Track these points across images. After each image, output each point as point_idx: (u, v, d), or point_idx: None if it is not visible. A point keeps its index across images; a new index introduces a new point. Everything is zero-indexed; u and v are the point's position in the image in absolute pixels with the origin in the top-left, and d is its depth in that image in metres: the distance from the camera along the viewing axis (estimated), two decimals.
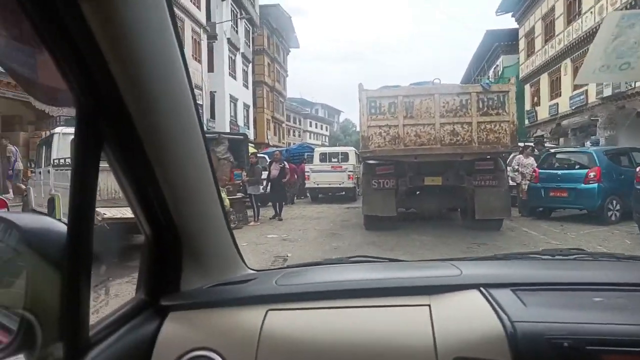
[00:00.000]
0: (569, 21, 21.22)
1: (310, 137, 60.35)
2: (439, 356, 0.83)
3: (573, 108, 21.27)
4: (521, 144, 10.42)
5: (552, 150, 11.44)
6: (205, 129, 1.35)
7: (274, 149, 24.70)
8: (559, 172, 9.90)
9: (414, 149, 7.95)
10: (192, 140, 0.94)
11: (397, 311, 0.95)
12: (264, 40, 36.54)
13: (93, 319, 0.83)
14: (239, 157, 11.17)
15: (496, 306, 0.89)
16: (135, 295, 1.03)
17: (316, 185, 16.35)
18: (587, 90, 20.25)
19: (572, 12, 21.03)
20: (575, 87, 21.49)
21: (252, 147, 28.35)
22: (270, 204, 11.97)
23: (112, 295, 3.87)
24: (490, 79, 8.59)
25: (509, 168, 10.98)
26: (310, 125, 64.11)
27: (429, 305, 0.93)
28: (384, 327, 0.91)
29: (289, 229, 9.75)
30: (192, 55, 23.61)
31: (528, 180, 10.52)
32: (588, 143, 17.42)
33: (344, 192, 16.29)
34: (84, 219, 0.74)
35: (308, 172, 16.47)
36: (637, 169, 6.97)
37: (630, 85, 16.54)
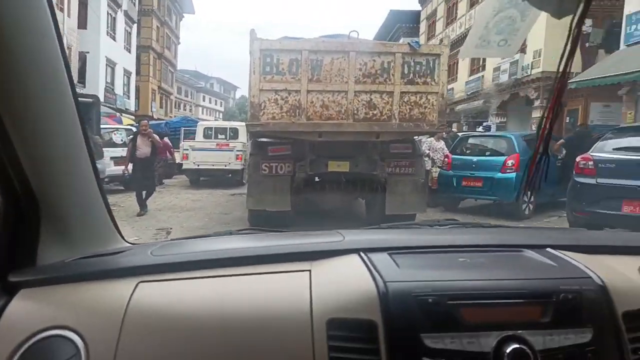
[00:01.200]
0: (472, 4, 21.17)
1: (203, 112, 57.71)
2: (313, 319, 0.86)
3: (469, 93, 21.44)
4: None
5: (467, 134, 10.39)
6: None
7: (159, 122, 21.58)
8: (474, 158, 8.81)
9: (319, 124, 6.07)
10: (55, 91, 0.87)
11: (278, 278, 0.96)
12: (153, 0, 32.45)
13: None
14: (87, 126, 8.31)
15: (372, 268, 0.94)
16: None
17: (196, 167, 13.60)
18: (483, 76, 20.48)
19: None
20: (472, 71, 21.77)
21: (131, 118, 25.14)
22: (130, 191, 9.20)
23: None
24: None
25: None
26: (204, 100, 60.96)
27: (310, 271, 0.96)
28: (263, 294, 0.91)
29: (143, 227, 7.23)
30: (56, 4, 19.36)
31: (439, 166, 9.34)
32: (480, 128, 17.50)
33: (230, 175, 13.89)
34: None
35: (187, 150, 13.67)
36: (578, 158, 5.90)
37: (526, 72, 16.72)
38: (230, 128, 14.91)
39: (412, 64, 6.21)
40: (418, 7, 28.40)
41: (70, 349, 0.82)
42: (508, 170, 8.08)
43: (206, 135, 14.53)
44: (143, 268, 0.96)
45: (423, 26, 27.55)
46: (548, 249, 1.08)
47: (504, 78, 17.67)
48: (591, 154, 5.68)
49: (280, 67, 5.95)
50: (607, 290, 0.90)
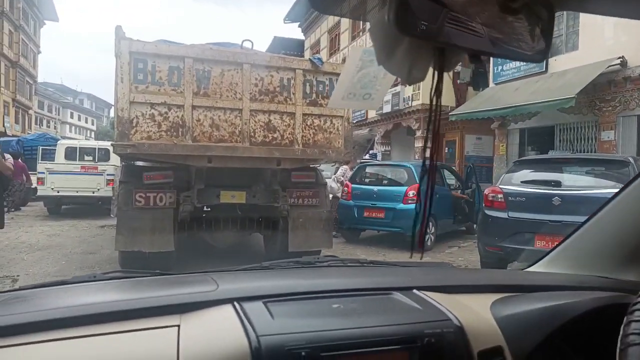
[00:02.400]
0: (354, 37, 21.90)
1: (71, 130, 52.12)
2: None
3: (354, 122, 21.90)
4: None
5: (366, 163, 10.01)
6: None
7: (10, 139, 18.18)
8: (375, 188, 8.39)
9: (209, 147, 5.01)
10: None
11: (142, 336, 0.87)
12: (4, 1, 28.39)
13: None
14: None
15: (245, 321, 0.90)
16: None
17: (56, 193, 11.50)
18: None
19: (357, 28, 21.72)
20: None
21: None
22: None
23: None
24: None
25: (332, 177, 9.08)
26: (72, 117, 55.05)
27: (178, 326, 0.89)
28: (124, 357, 0.82)
29: None
30: None
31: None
32: (367, 156, 17.86)
33: (100, 202, 11.77)
34: None
35: (43, 173, 11.49)
36: (486, 191, 5.67)
37: (407, 104, 17.53)
38: (99, 148, 12.80)
39: (315, 82, 5.52)
40: (302, 37, 28.72)
41: None
42: (410, 201, 7.76)
43: (69, 157, 12.33)
44: None
45: (307, 55, 27.91)
46: (414, 291, 1.11)
47: (387, 109, 18.29)
48: (500, 186, 5.47)
49: (157, 75, 4.81)
50: (464, 331, 0.95)
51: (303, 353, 0.84)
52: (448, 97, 14.83)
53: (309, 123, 5.43)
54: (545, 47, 0.67)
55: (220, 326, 0.91)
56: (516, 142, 13.03)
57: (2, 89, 28.62)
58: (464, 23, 0.60)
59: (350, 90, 1.15)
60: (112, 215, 9.34)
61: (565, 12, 10.64)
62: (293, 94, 5.32)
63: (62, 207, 12.28)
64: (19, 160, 13.01)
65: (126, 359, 0.82)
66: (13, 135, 24.20)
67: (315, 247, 5.75)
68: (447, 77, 13.90)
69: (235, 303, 0.97)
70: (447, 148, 16.25)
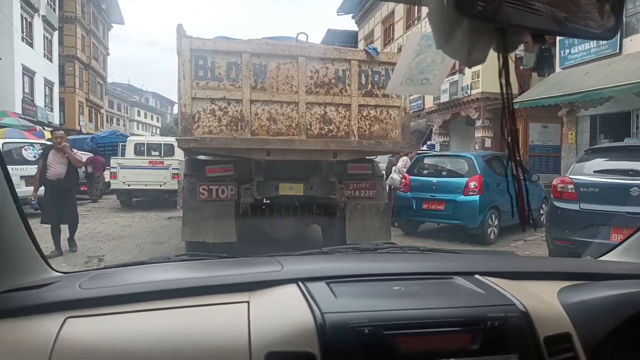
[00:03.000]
0: (408, 26, 21.36)
1: (138, 127, 55.02)
2: (252, 353, 0.84)
3: (411, 112, 21.43)
4: None
5: (424, 154, 9.78)
6: None
7: (85, 136, 19.54)
8: (434, 179, 8.17)
9: (267, 140, 5.10)
10: None
11: (215, 310, 0.94)
12: (77, 7, 30.82)
13: None
14: None
15: (310, 299, 0.94)
16: None
17: (127, 187, 12.12)
18: (424, 96, 20.57)
19: (412, 17, 21.16)
20: None
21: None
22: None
23: None
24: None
25: (393, 169, 8.98)
26: (139, 115, 58.07)
27: (248, 302, 0.95)
28: (202, 328, 0.89)
29: (72, 255, 6.05)
30: None
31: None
32: (424, 147, 17.45)
33: (167, 195, 12.37)
34: None
35: (115, 168, 12.12)
36: (555, 181, 5.35)
37: (466, 93, 16.88)
38: (164, 144, 13.44)
39: (370, 73, 5.44)
40: (355, 28, 28.42)
41: None
42: (471, 193, 7.49)
43: (138, 152, 12.99)
44: (71, 302, 0.92)
45: (361, 46, 27.60)
46: (476, 276, 1.11)
47: (445, 98, 17.73)
48: (570, 176, 5.13)
49: (217, 71, 4.95)
50: (530, 317, 0.94)
51: (366, 331, 0.87)
52: (511, 85, 14.14)
53: (364, 114, 5.38)
54: (615, 24, 0.62)
55: (287, 303, 0.96)
56: (586, 129, 12.16)
57: (76, 90, 30.71)
58: (523, 2, 0.57)
59: (408, 76, 1.14)
60: (178, 207, 9.82)
61: None
62: (348, 85, 5.28)
63: (132, 200, 13.00)
64: (98, 156, 14.01)
65: (203, 329, 0.89)
66: (87, 133, 26.01)
67: (373, 239, 5.70)
68: (509, 61, 13.17)
69: (300, 283, 1.02)
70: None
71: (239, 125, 5.02)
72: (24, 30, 23.00)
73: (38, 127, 18.92)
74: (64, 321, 0.87)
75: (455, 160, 8.44)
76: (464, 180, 7.72)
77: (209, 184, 5.42)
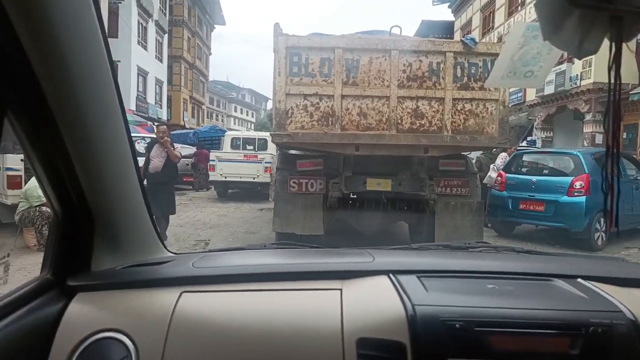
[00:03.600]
0: (510, 13, 20.03)
1: (234, 123, 57.96)
2: (344, 337, 0.88)
3: (510, 106, 20.12)
4: None
5: (523, 150, 9.17)
6: None
7: (188, 131, 21.19)
8: (534, 178, 7.61)
9: (357, 135, 5.12)
10: (108, 113, 0.93)
11: (310, 294, 0.99)
12: (184, 11, 33.19)
13: None
14: None
15: (401, 291, 0.96)
16: (40, 274, 0.99)
17: (223, 179, 12.91)
18: (525, 88, 19.25)
19: (514, 3, 19.81)
20: None
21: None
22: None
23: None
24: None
25: (491, 166, 8.59)
26: (236, 111, 61.34)
27: (341, 290, 0.99)
28: (296, 310, 0.95)
29: (181, 238, 6.76)
30: None
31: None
32: (524, 144, 16.33)
33: (259, 188, 13.02)
34: None
35: (214, 160, 12.96)
36: None
37: (575, 84, 15.46)
38: (258, 138, 14.13)
39: (466, 65, 5.20)
40: (451, 18, 27.30)
41: (122, 351, 0.88)
42: (576, 193, 6.88)
43: (234, 146, 13.80)
44: (186, 279, 1.03)
45: (458, 36, 26.44)
46: (579, 280, 1.06)
47: (550, 90, 16.41)
48: None
49: (310, 67, 5.05)
50: (639, 326, 0.88)
51: (457, 325, 0.87)
52: (628, 74, 12.68)
53: (459, 108, 5.16)
54: None
55: (378, 293, 0.99)
56: None
57: (182, 88, 33.27)
58: None
59: (510, 69, 1.10)
60: (270, 200, 10.27)
61: None
62: (443, 78, 5.10)
63: (228, 191, 13.78)
64: (203, 150, 15.14)
65: (298, 311, 0.95)
66: (190, 128, 28.14)
67: (463, 239, 5.46)
68: (627, 51, 11.82)
69: (391, 275, 1.04)
70: (625, 133, 13.99)
71: (330, 120, 5.09)
72: (140, 34, 25.37)
73: (149, 123, 20.86)
74: (180, 295, 0.97)
75: (560, 158, 7.79)
76: (568, 179, 7.10)
77: (300, 177, 5.59)
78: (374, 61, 5.05)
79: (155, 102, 28.06)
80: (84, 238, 1.01)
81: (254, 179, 12.82)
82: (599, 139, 14.68)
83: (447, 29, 27.34)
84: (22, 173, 6.26)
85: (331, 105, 5.07)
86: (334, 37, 5.21)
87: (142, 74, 25.77)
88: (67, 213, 0.98)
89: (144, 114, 23.84)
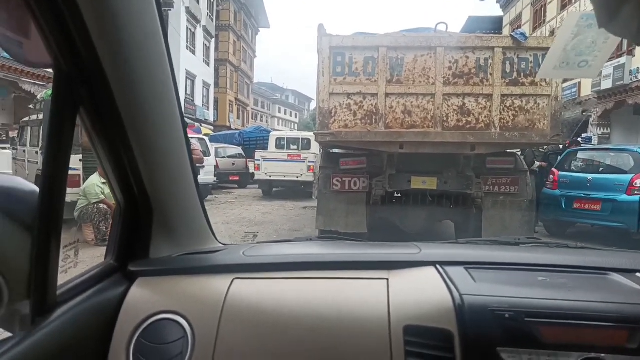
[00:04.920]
0: (564, 6, 19.13)
1: (278, 124, 58.85)
2: (391, 324, 0.91)
3: (564, 102, 19.21)
4: None
5: (578, 147, 8.76)
6: None
7: (234, 132, 21.76)
8: (589, 176, 7.25)
9: (401, 133, 5.08)
10: (168, 112, 1.00)
11: (358, 283, 1.02)
12: (230, 16, 34.01)
13: (61, 280, 0.84)
14: None
15: (448, 281, 0.97)
16: (105, 260, 1.06)
17: (268, 177, 13.28)
18: (580, 83, 18.37)
19: None
20: (565, 79, 19.56)
21: (210, 128, 25.76)
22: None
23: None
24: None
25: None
26: (279, 112, 62.10)
27: (387, 279, 1.02)
28: (344, 298, 0.97)
29: (232, 231, 7.07)
30: None
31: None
32: (579, 140, 15.54)
33: (303, 186, 13.20)
34: (57, 180, 0.76)
35: (259, 160, 13.38)
36: None
37: (636, 77, 14.56)
38: (302, 138, 14.38)
39: (516, 60, 5.04)
40: (499, 13, 26.43)
41: (179, 331, 0.95)
42: (636, 192, 6.49)
43: (278, 146, 14.18)
44: (238, 267, 1.09)
45: (506, 32, 25.54)
46: (638, 274, 1.03)
47: (607, 84, 15.58)
48: None
49: (354, 67, 5.07)
50: None
51: (507, 315, 0.86)
52: None
53: (508, 104, 5.01)
54: None
55: (425, 283, 0.99)
56: None
57: (228, 90, 34.11)
58: None
59: (563, 59, 1.08)
60: (313, 198, 10.38)
61: None
62: (490, 74, 4.97)
63: (272, 190, 14.05)
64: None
65: (346, 299, 0.97)
66: (235, 129, 28.84)
67: None
68: None
69: (438, 266, 1.05)
70: None
71: (374, 118, 5.08)
72: (188, 39, 26.27)
73: (196, 124, 21.54)
74: (232, 281, 1.03)
75: (618, 155, 7.37)
76: (628, 177, 6.71)
77: (343, 175, 5.61)
78: (419, 59, 5.00)
79: (203, 104, 28.92)
80: (144, 227, 1.07)
81: (297, 177, 13.08)
82: None
83: (495, 24, 26.52)
84: (80, 172, 6.68)
85: (375, 104, 5.06)
86: (378, 36, 5.20)
87: (190, 77, 26.64)
88: (129, 204, 1.04)
89: (191, 116, 24.65)
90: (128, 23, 0.80)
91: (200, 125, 22.69)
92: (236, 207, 11.00)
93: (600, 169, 7.45)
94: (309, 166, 12.73)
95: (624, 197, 6.62)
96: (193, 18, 26.44)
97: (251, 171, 14.71)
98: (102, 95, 0.83)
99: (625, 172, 6.89)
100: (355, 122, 5.14)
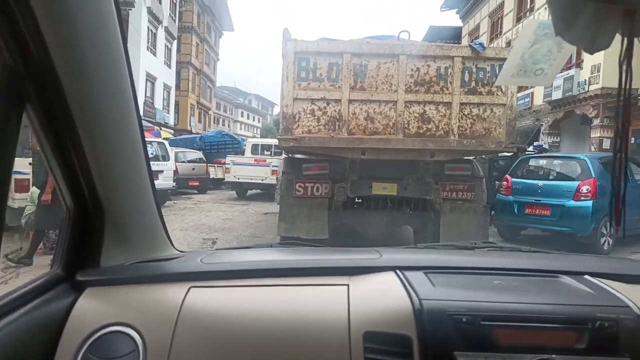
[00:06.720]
0: (519, 18, 20.04)
1: (241, 128, 58.18)
2: (351, 331, 0.90)
3: (517, 111, 20.05)
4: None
5: (529, 155, 9.16)
6: None
7: (194, 136, 21.35)
8: (540, 183, 7.60)
9: (363, 140, 5.15)
10: (123, 111, 0.96)
11: (318, 290, 1.01)
12: (193, 17, 33.42)
13: (0, 292, 0.82)
14: None
15: (408, 286, 0.97)
16: (50, 269, 1.01)
17: (237, 180, 14.71)
18: (532, 93, 19.25)
19: (523, 8, 19.81)
20: (519, 89, 20.43)
21: (170, 132, 25.15)
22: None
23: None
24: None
25: None
26: (242, 116, 61.53)
27: (348, 285, 1.00)
28: (303, 305, 0.96)
29: (190, 238, 6.94)
30: None
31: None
32: (530, 148, 16.27)
33: (268, 189, 13.67)
34: None
35: (229, 164, 14.79)
36: None
37: (583, 89, 15.42)
38: (275, 145, 14.73)
39: (474, 70, 5.23)
40: (459, 23, 27.38)
41: (130, 344, 0.89)
42: (582, 198, 6.86)
43: (254, 151, 15.33)
44: (194, 274, 1.04)
45: (465, 42, 26.47)
46: (586, 277, 1.08)
47: (557, 95, 16.41)
48: None
49: (318, 72, 5.10)
50: None
51: (464, 319, 0.87)
52: (637, 77, 12.65)
53: (466, 112, 5.19)
54: None
55: (385, 288, 0.99)
56: None
57: (189, 93, 33.46)
58: None
59: (521, 67, 1.12)
60: (276, 203, 10.37)
61: None
62: (450, 83, 5.13)
63: (247, 192, 15.25)
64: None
65: (305, 306, 0.96)
66: (196, 133, 28.29)
67: None
68: (638, 48, 11.71)
69: (398, 271, 1.05)
70: (634, 138, 13.89)
71: (337, 124, 5.13)
72: (149, 40, 25.55)
73: (156, 128, 21.00)
74: (188, 290, 0.99)
75: (566, 162, 7.78)
76: (575, 184, 7.09)
77: (305, 181, 5.62)
78: (382, 66, 5.09)
79: (163, 107, 28.19)
80: (94, 234, 1.02)
81: (262, 180, 14.18)
82: (607, 144, 14.61)
83: (455, 35, 27.39)
84: (29, 177, 6.34)
85: (338, 110, 5.11)
86: (342, 42, 5.26)
87: (151, 79, 25.94)
88: (78, 209, 0.99)
89: (151, 119, 23.99)
90: (81, 16, 0.77)
91: (160, 128, 22.13)
92: (195, 213, 10.79)
93: (550, 176, 7.83)
94: (273, 170, 13.19)
95: (572, 202, 6.98)
96: (155, 18, 25.79)
97: (220, 175, 16.07)
98: (51, 92, 0.79)
99: (572, 179, 7.28)
100: (319, 127, 5.17)
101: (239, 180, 14.57)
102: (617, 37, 0.64)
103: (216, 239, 7.03)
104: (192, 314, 0.93)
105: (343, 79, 5.06)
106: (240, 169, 14.49)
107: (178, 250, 1.28)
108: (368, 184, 5.66)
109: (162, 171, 11.53)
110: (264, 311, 0.94)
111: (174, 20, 30.01)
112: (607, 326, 0.88)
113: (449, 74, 5.12)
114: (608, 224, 6.93)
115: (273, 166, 13.35)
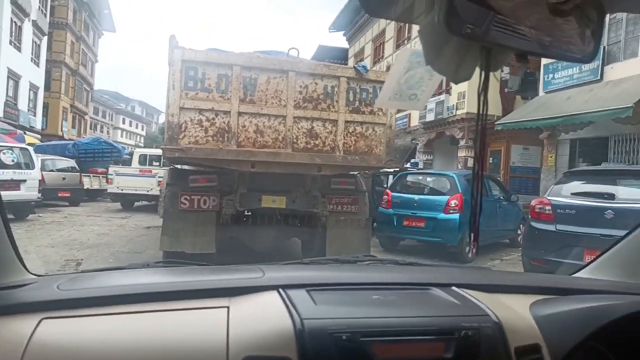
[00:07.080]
0: (398, 45, 21.77)
1: (122, 135, 54.25)
2: (229, 357, 0.85)
3: (396, 130, 21.63)
4: None
5: (407, 171, 9.91)
6: None
7: (66, 142, 19.32)
8: (415, 197, 8.27)
9: (253, 152, 5.13)
10: None
11: (196, 314, 0.95)
12: (69, 13, 30.58)
13: None
14: None
15: (290, 305, 0.96)
16: None
17: (120, 191, 14.10)
18: (410, 114, 20.94)
19: (402, 36, 21.59)
20: (398, 110, 22.09)
21: (37, 137, 22.40)
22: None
23: None
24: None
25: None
26: (124, 123, 57.62)
27: (228, 307, 0.96)
28: (178, 332, 0.89)
29: (51, 260, 6.04)
30: None
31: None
32: (408, 165, 17.72)
33: (153, 200, 12.95)
34: None
35: (112, 175, 14.29)
36: (533, 202, 5.49)
37: (452, 113, 17.22)
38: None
39: (358, 90, 5.54)
40: (346, 45, 28.86)
41: None
42: (451, 211, 7.61)
43: (142, 162, 14.62)
44: (48, 303, 0.92)
45: (351, 63, 27.99)
46: (453, 288, 1.15)
47: (430, 117, 18.06)
48: (548, 197, 5.28)
49: (207, 82, 4.98)
50: (502, 327, 0.98)
51: (344, 337, 0.89)
52: (495, 106, 14.48)
53: (350, 130, 5.45)
54: (594, 49, 0.67)
55: (267, 309, 0.97)
56: (566, 153, 12.47)
57: (62, 95, 30.34)
58: (511, 26, 0.60)
59: (397, 91, 1.18)
60: (159, 216, 9.79)
61: (624, 18, 10.13)
62: (336, 101, 5.36)
63: (134, 204, 14.57)
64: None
65: (181, 332, 0.90)
66: (69, 139, 25.66)
67: (353, 253, 5.72)
68: (494, 84, 13.46)
69: (280, 290, 1.04)
70: (491, 158, 15.83)
71: (226, 136, 5.04)
72: (13, 34, 22.75)
73: (19, 131, 18.62)
74: (39, 322, 0.87)
75: (438, 179, 8.57)
76: (445, 198, 7.84)
77: (191, 193, 5.41)
78: (272, 81, 5.14)
79: (29, 109, 25.31)
80: None
81: (147, 191, 13.72)
82: (471, 162, 16.46)
83: (342, 55, 28.63)
84: None
85: (227, 122, 5.03)
86: (233, 54, 5.21)
87: (14, 77, 23.09)
88: None
89: (13, 122, 21.30)
90: None
91: (25, 132, 19.63)
92: (65, 227, 9.73)
93: (425, 190, 8.56)
94: (159, 181, 12.61)
95: (442, 215, 7.71)
96: (20, 10, 23.02)
97: (96, 186, 15.43)
98: None
99: (443, 194, 8.04)
100: (207, 138, 5.03)
101: (123, 192, 13.91)
102: (477, 71, 0.71)
103: (81, 259, 6.24)
104: (42, 351, 0.82)
105: (232, 91, 5.01)
106: (124, 179, 13.94)
107: (33, 274, 1.13)
108: (257, 196, 5.63)
109: (24, 180, 10.25)
110: (132, 342, 0.85)
111: (45, 15, 27.22)
112: (470, 335, 0.94)
113: (335, 92, 5.35)
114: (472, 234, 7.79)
115: (159, 177, 12.70)
